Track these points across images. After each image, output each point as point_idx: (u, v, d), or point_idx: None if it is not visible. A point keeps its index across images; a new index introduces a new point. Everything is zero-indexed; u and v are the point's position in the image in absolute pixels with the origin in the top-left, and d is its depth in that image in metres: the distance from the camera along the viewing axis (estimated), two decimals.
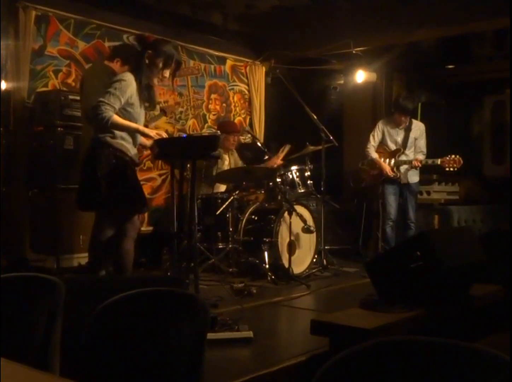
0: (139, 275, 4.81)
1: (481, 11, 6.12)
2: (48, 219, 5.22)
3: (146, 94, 4.08)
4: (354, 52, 7.09)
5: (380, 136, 6.59)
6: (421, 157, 6.42)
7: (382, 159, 6.51)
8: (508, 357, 1.14)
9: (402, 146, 6.45)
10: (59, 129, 5.23)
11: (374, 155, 6.57)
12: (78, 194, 4.19)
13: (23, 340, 1.84)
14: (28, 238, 5.45)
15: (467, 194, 8.13)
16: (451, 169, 6.19)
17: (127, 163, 4.01)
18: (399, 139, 6.50)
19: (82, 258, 5.23)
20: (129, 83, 3.94)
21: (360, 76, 7.81)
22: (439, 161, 6.22)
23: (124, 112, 3.97)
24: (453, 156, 6.14)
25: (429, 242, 3.37)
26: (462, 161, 6.12)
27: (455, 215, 7.18)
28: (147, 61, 4.03)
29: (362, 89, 8.01)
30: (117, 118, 3.90)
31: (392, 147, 6.52)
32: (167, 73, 4.10)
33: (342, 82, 8.54)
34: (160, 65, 4.04)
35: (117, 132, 3.96)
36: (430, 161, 6.33)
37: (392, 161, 6.45)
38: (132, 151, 4.07)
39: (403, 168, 6.46)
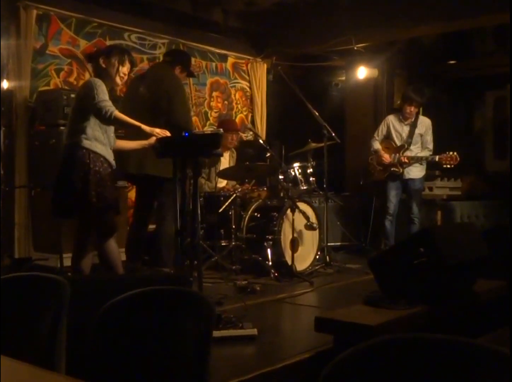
0: (143, 273, 4.81)
1: (482, 7, 6.11)
2: (51, 218, 5.21)
3: (111, 95, 4.16)
4: (355, 48, 7.09)
5: (385, 130, 6.60)
6: (426, 153, 6.43)
7: (388, 154, 6.52)
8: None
9: (406, 142, 6.46)
10: (61, 128, 5.22)
11: (377, 146, 6.58)
12: (53, 201, 4.13)
13: (29, 340, 1.84)
14: (31, 237, 5.46)
15: (469, 189, 8.12)
16: (448, 166, 6.20)
17: (101, 163, 3.99)
18: (404, 134, 6.50)
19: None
20: (101, 83, 4.01)
21: (362, 72, 7.81)
22: (437, 157, 6.24)
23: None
24: (450, 153, 6.15)
25: (433, 238, 3.37)
26: (458, 158, 6.12)
27: (457, 210, 7.17)
28: (103, 66, 4.10)
29: (364, 85, 8.00)
30: (120, 114, 3.94)
31: (398, 142, 6.53)
32: (125, 69, 4.16)
33: (343, 78, 8.53)
34: (116, 63, 4.11)
35: (90, 133, 3.96)
36: (429, 158, 6.34)
37: (397, 157, 6.45)
38: (107, 152, 4.05)
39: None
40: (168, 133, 4.14)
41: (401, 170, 6.43)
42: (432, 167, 6.91)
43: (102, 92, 3.93)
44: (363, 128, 6.93)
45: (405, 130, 6.51)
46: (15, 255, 5.41)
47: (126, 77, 4.24)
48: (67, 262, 5.10)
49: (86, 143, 3.95)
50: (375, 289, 3.58)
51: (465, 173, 8.01)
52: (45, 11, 5.66)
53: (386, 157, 6.48)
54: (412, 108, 6.40)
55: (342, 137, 6.54)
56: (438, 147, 6.53)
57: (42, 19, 5.65)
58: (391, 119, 6.63)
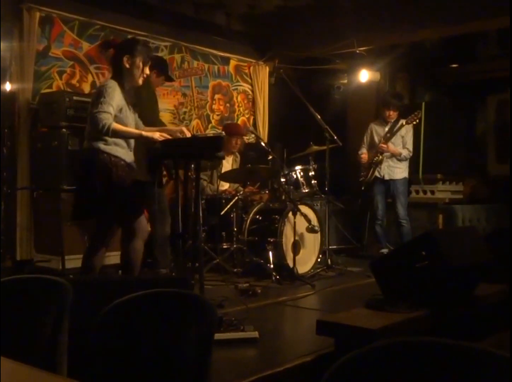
0: (144, 275, 4.81)
1: (484, 10, 6.11)
2: (53, 219, 5.23)
3: (132, 96, 4.10)
4: (357, 51, 7.09)
5: (369, 137, 6.78)
6: (405, 152, 6.55)
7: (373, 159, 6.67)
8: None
9: (384, 137, 6.53)
10: (63, 130, 5.23)
11: (360, 151, 6.77)
12: (75, 205, 4.14)
13: (30, 342, 1.84)
14: (33, 239, 5.47)
15: (471, 193, 8.11)
16: (414, 123, 6.46)
17: (123, 167, 3.99)
18: (383, 134, 6.59)
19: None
20: (114, 89, 3.94)
21: (364, 75, 7.82)
22: (403, 121, 6.51)
23: (115, 118, 3.97)
24: (411, 115, 6.46)
25: (435, 241, 3.37)
26: (420, 113, 6.48)
27: (459, 214, 7.17)
28: (127, 66, 4.05)
29: (366, 88, 8.01)
30: (118, 125, 3.87)
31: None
32: (147, 69, 4.13)
33: (345, 81, 8.54)
34: (140, 65, 4.07)
35: (110, 139, 3.94)
36: (403, 131, 6.54)
37: (375, 151, 6.59)
38: (127, 156, 4.05)
39: (386, 165, 6.53)
40: (168, 136, 4.14)
41: (380, 157, 6.50)
42: (437, 170, 6.95)
43: (107, 103, 3.84)
44: (365, 131, 6.93)
45: (385, 131, 6.63)
46: (17, 257, 5.41)
47: (144, 77, 4.20)
48: (69, 264, 5.11)
49: (106, 148, 3.94)
50: (377, 292, 3.58)
51: (467, 176, 8.01)
52: (48, 13, 5.67)
53: (364, 157, 6.65)
54: (391, 112, 6.59)
55: (344, 140, 6.55)
56: (440, 151, 6.54)
57: (45, 21, 5.66)
58: (373, 125, 6.83)
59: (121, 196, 3.94)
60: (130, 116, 4.08)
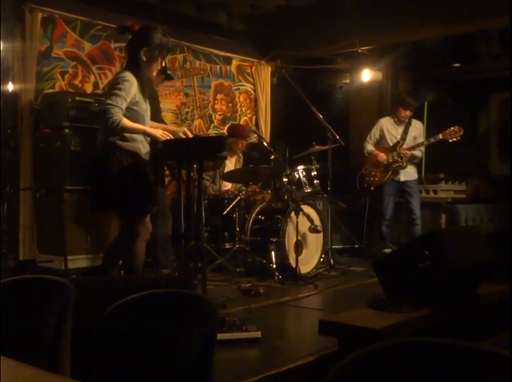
0: (147, 275, 4.82)
1: (486, 9, 6.11)
2: (55, 220, 5.24)
3: (148, 89, 4.08)
4: (360, 51, 7.09)
5: (378, 134, 6.71)
6: (419, 153, 6.50)
7: (378, 162, 6.59)
8: None
9: (401, 139, 6.51)
10: (66, 130, 5.22)
11: (370, 148, 6.68)
12: (91, 199, 4.14)
13: (33, 342, 1.84)
14: (36, 239, 5.47)
15: (474, 192, 8.10)
16: (454, 139, 6.30)
17: (140, 163, 4.00)
18: (399, 136, 6.57)
19: (89, 259, 5.26)
20: (132, 83, 3.91)
21: (366, 75, 7.81)
22: (440, 135, 6.35)
23: (130, 111, 3.95)
24: (452, 127, 6.29)
25: (437, 241, 3.37)
26: (462, 130, 6.25)
27: (462, 214, 7.16)
28: (144, 58, 4.00)
29: (368, 88, 8.00)
30: (126, 121, 3.87)
31: (391, 144, 6.58)
32: (162, 62, 4.09)
33: (348, 81, 8.52)
34: (159, 58, 4.03)
35: (127, 134, 3.95)
36: (432, 139, 6.42)
37: (395, 154, 6.50)
38: (144, 149, 4.06)
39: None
40: (171, 136, 4.14)
41: (404, 163, 6.47)
42: (440, 169, 6.92)
43: (121, 97, 3.81)
44: (367, 130, 6.92)
45: (399, 132, 6.63)
46: (20, 257, 5.42)
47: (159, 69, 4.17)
48: (72, 264, 5.13)
49: (122, 144, 3.93)
50: (380, 292, 3.58)
51: (470, 176, 7.99)
52: (50, 13, 5.67)
53: (382, 156, 6.54)
54: (408, 112, 6.56)
55: (346, 140, 6.55)
56: (441, 149, 6.54)
57: (47, 21, 5.66)
58: (384, 122, 6.73)
59: (132, 194, 3.94)
60: (147, 108, 4.08)
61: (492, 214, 7.40)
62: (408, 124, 6.60)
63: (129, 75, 3.93)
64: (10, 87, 5.45)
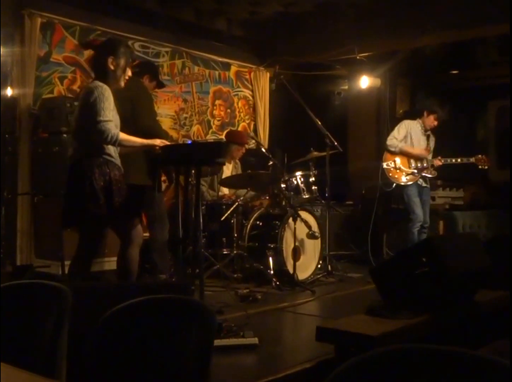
0: (144, 281, 4.81)
1: (485, 17, 6.13)
2: (53, 225, 5.23)
3: (117, 98, 4.05)
4: (358, 57, 7.11)
5: (403, 134, 6.52)
6: (439, 162, 6.50)
7: (406, 161, 6.49)
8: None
9: (426, 148, 6.52)
10: (64, 135, 5.22)
11: (402, 145, 6.47)
12: (65, 211, 3.97)
13: (30, 347, 1.84)
14: (33, 244, 5.47)
15: (471, 199, 8.11)
16: (482, 167, 6.34)
17: (118, 172, 3.93)
18: (422, 142, 6.53)
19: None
20: (110, 93, 3.88)
21: (364, 81, 7.83)
22: (473, 159, 6.33)
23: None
24: (479, 155, 6.33)
25: (435, 248, 3.37)
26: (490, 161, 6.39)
27: (459, 220, 7.17)
28: (112, 67, 3.98)
29: (366, 94, 8.02)
30: (124, 135, 3.82)
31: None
32: (129, 71, 4.07)
33: (346, 87, 8.55)
34: (125, 66, 4.02)
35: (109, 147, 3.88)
36: (464, 159, 6.39)
37: (424, 162, 6.49)
38: (118, 159, 3.98)
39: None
40: (167, 143, 4.12)
41: (435, 174, 6.47)
42: (439, 176, 6.91)
43: (108, 108, 3.75)
44: (365, 136, 6.94)
45: (423, 139, 6.54)
46: (17, 262, 5.41)
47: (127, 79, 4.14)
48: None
49: (99, 150, 3.88)
50: (377, 298, 3.57)
51: (468, 183, 8.00)
52: (49, 19, 5.69)
53: (421, 151, 6.45)
54: (436, 123, 6.52)
55: (344, 146, 6.54)
56: (439, 155, 6.55)
57: (46, 27, 5.68)
58: (412, 125, 6.57)
59: (121, 202, 3.90)
60: (117, 118, 4.02)
61: (489, 221, 7.41)
62: (429, 134, 6.58)
63: (104, 86, 3.86)
64: (9, 91, 5.46)
